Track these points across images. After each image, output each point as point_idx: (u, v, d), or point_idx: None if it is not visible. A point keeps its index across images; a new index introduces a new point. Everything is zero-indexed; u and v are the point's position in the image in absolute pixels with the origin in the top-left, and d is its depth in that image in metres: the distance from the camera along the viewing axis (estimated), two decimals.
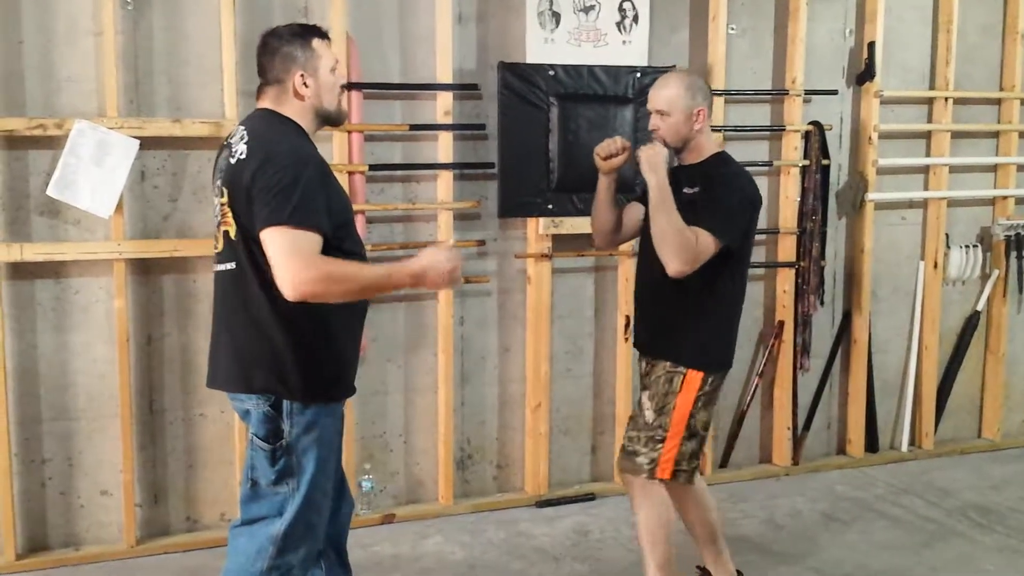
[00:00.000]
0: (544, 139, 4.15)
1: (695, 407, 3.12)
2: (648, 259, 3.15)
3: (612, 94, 4.21)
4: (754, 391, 4.72)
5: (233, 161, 2.55)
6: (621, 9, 4.21)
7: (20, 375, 3.69)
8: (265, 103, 2.67)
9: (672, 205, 2.98)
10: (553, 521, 4.18)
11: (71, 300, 3.73)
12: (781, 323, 4.69)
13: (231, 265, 2.58)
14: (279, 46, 2.64)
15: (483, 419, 4.35)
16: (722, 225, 3.01)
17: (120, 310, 3.69)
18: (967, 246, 5.06)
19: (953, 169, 4.94)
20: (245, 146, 2.55)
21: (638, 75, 4.23)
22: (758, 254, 4.67)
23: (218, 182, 2.62)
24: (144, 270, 3.79)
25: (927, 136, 4.91)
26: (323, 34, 2.70)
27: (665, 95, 3.10)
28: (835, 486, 4.63)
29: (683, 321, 3.14)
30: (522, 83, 4.08)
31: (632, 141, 4.16)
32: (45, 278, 3.69)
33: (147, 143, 3.66)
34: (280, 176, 2.45)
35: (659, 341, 3.21)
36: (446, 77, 4.01)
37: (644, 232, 3.21)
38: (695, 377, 3.11)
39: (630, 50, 4.24)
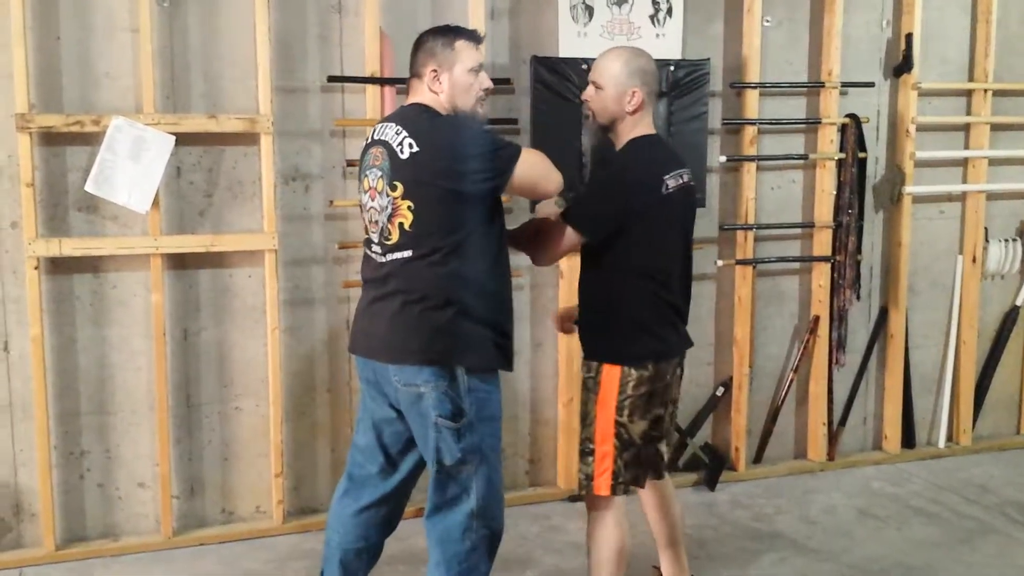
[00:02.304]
0: (577, 133, 4.14)
1: (620, 415, 2.92)
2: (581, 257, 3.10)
3: None
4: (789, 386, 4.69)
5: (404, 156, 2.71)
6: (655, 2, 4.19)
7: (59, 369, 3.74)
8: (411, 97, 2.85)
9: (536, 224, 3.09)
10: (585, 515, 4.16)
11: (109, 295, 3.78)
12: (817, 318, 4.65)
13: (407, 253, 2.74)
14: (425, 41, 2.84)
15: (515, 414, 4.35)
16: (579, 213, 2.94)
17: (157, 304, 3.73)
18: (1006, 240, 4.99)
19: (992, 162, 4.88)
20: (411, 140, 2.71)
21: (672, 68, 4.20)
22: (793, 248, 4.64)
23: (381, 178, 2.77)
24: (180, 265, 3.82)
25: (966, 128, 4.85)
26: (474, 37, 2.85)
27: (603, 67, 2.97)
28: (871, 482, 4.59)
29: (593, 315, 3.01)
30: (555, 77, 4.07)
31: (665, 134, 4.21)
32: (83, 273, 3.74)
33: (183, 139, 3.70)
34: (473, 145, 2.72)
35: (582, 341, 3.08)
36: None
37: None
38: (611, 374, 2.92)
39: (664, 43, 4.21)
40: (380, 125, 2.86)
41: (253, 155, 3.83)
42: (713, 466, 4.52)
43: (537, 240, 3.04)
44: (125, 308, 3.79)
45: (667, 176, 2.93)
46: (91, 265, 3.74)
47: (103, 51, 3.66)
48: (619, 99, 2.93)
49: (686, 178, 2.98)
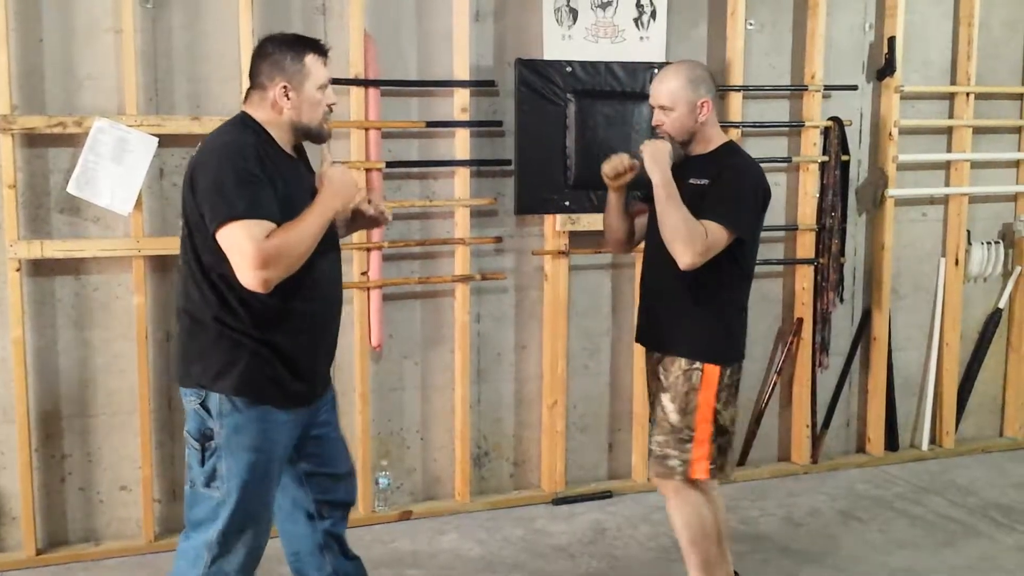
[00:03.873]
0: (561, 136, 4.14)
1: (718, 403, 3.06)
2: (655, 254, 3.11)
3: (630, 90, 4.19)
4: (772, 388, 4.70)
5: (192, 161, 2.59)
6: (639, 5, 4.20)
7: (40, 371, 3.72)
8: (245, 106, 2.65)
9: (678, 199, 2.93)
10: (570, 518, 4.18)
11: (91, 297, 3.76)
12: (800, 320, 4.66)
13: (181, 262, 2.61)
14: (271, 52, 2.61)
15: (500, 416, 4.35)
16: (733, 215, 2.95)
17: (139, 307, 3.71)
18: (988, 243, 5.01)
19: (974, 165, 4.90)
20: (200, 145, 2.60)
21: (656, 71, 4.19)
22: (776, 251, 4.65)
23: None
24: (163, 267, 3.81)
25: (948, 132, 4.87)
26: (322, 50, 2.64)
27: (666, 89, 3.03)
28: (854, 484, 4.61)
29: (695, 315, 3.08)
30: (539, 79, 4.07)
31: (650, 137, 4.20)
32: (65, 275, 3.72)
33: (166, 140, 3.68)
34: (214, 174, 2.45)
35: (671, 337, 3.14)
36: (463, 74, 4.01)
37: (650, 227, 3.15)
38: (713, 371, 3.05)
39: (648, 46, 4.22)
40: None
41: None
42: None
43: (689, 234, 2.90)
44: (107, 310, 3.78)
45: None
46: (73, 267, 3.72)
47: (86, 52, 3.65)
48: (692, 113, 3.03)
49: None
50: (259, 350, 2.54)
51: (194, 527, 2.61)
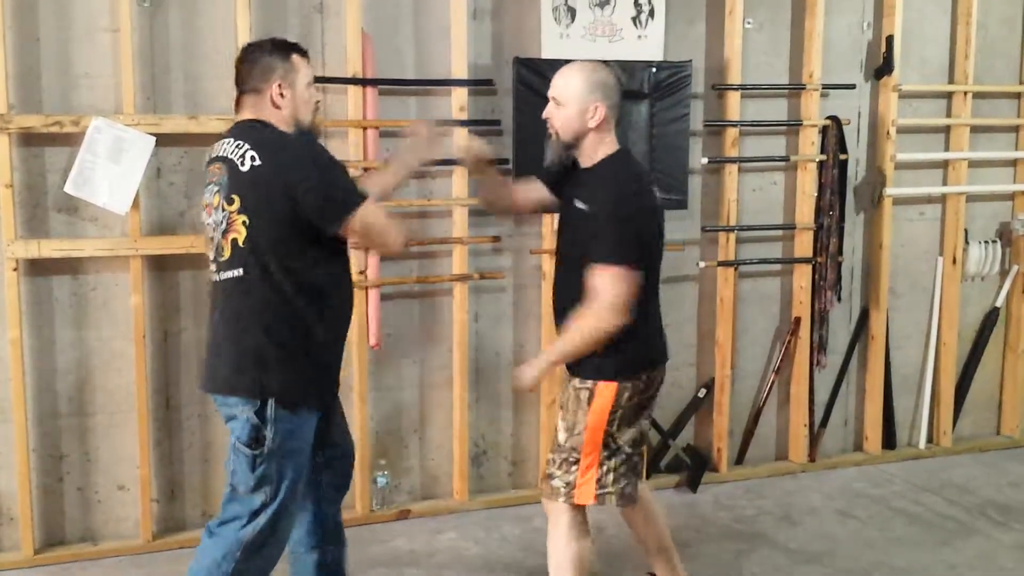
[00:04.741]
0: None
1: (610, 425, 2.88)
2: (558, 268, 3.01)
3: (627, 89, 4.15)
4: (770, 387, 4.70)
5: (244, 168, 2.62)
6: (637, 4, 4.20)
7: (38, 371, 3.72)
8: (246, 113, 2.77)
9: (567, 339, 2.84)
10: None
11: (88, 296, 3.75)
12: (798, 319, 4.67)
13: (238, 272, 2.66)
14: (259, 57, 2.76)
15: (498, 415, 4.35)
16: (624, 252, 2.77)
17: (137, 306, 3.71)
18: (986, 242, 5.02)
19: (972, 164, 4.90)
20: (253, 152, 2.63)
21: (654, 70, 4.21)
22: (774, 250, 4.65)
23: (218, 193, 2.68)
24: (160, 266, 3.80)
25: (946, 131, 4.87)
26: (303, 51, 2.83)
27: (563, 83, 2.88)
28: (852, 483, 4.61)
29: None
30: (537, 78, 4.06)
31: (648, 136, 4.21)
32: (62, 274, 3.71)
33: (163, 140, 3.67)
34: (318, 176, 2.63)
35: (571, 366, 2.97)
36: (461, 73, 4.01)
37: (560, 228, 3.05)
38: (606, 391, 2.87)
39: (646, 45, 4.22)
40: (218, 143, 2.78)
41: None
42: (695, 467, 4.52)
43: (598, 303, 2.79)
44: (105, 310, 3.77)
45: (653, 189, 2.96)
46: (70, 267, 3.71)
47: (83, 51, 3.64)
48: (581, 115, 2.86)
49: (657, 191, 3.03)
50: (306, 354, 2.70)
51: (227, 523, 2.72)
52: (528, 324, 4.33)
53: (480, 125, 4.11)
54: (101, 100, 3.67)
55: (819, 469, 4.75)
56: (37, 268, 3.67)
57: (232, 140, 2.70)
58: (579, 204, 2.88)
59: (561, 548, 2.98)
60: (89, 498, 3.84)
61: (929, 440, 5.04)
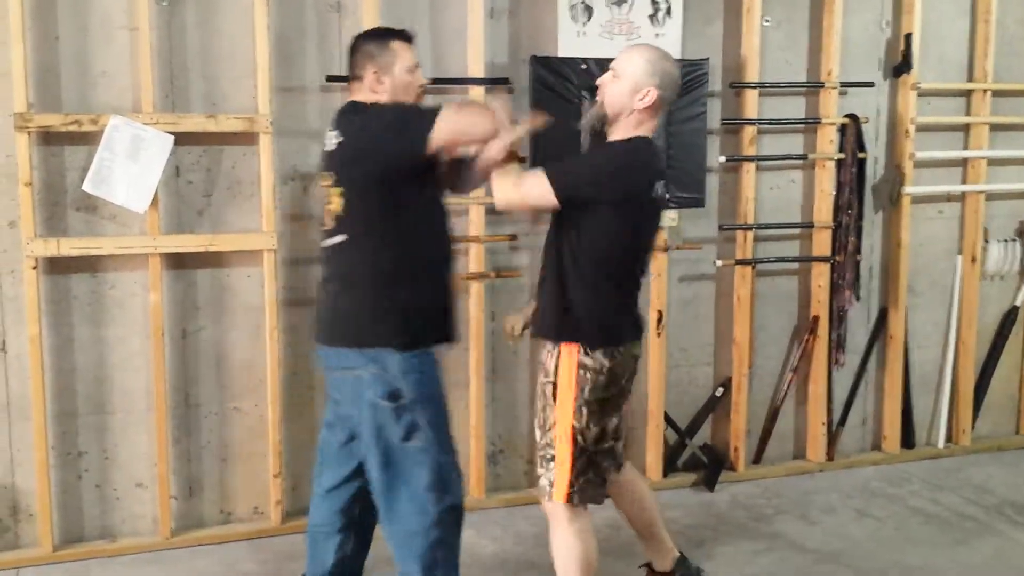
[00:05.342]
0: (576, 133, 4.12)
1: (578, 420, 2.89)
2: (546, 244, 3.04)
3: None
4: (788, 386, 4.68)
5: (331, 148, 2.88)
6: (654, 2, 4.19)
7: (57, 369, 3.74)
8: (351, 97, 2.97)
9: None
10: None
11: (107, 294, 3.77)
12: (816, 318, 4.65)
13: (341, 237, 2.87)
14: (360, 44, 2.97)
15: (515, 414, 4.35)
16: (561, 174, 2.85)
17: (155, 304, 3.72)
18: (1006, 240, 4.99)
19: (991, 162, 4.87)
20: (337, 131, 2.87)
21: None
22: (792, 248, 4.64)
23: (323, 171, 2.96)
24: (179, 264, 3.82)
25: (965, 129, 4.84)
26: (406, 36, 2.98)
27: (627, 57, 2.92)
28: (870, 482, 4.59)
29: (551, 309, 2.96)
30: (554, 77, 4.06)
31: (665, 134, 4.20)
32: (81, 272, 3.73)
33: (181, 138, 3.69)
34: (396, 111, 2.86)
35: (539, 328, 3.04)
36: (478, 71, 4.01)
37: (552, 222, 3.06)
38: (567, 356, 2.88)
39: (663, 43, 4.18)
40: None
41: (252, 155, 3.82)
42: (712, 466, 4.51)
43: (501, 179, 2.94)
44: (123, 308, 3.79)
45: (658, 182, 2.95)
46: (89, 265, 3.73)
47: (102, 50, 3.66)
48: (633, 93, 2.88)
49: (664, 191, 3.03)
50: (422, 294, 2.87)
51: (405, 483, 2.84)
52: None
53: None
54: (119, 99, 3.68)
55: (837, 468, 4.73)
56: (56, 266, 3.69)
57: (332, 124, 2.93)
58: None
59: (564, 549, 2.97)
60: (107, 495, 3.86)
61: (948, 439, 5.01)
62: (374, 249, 2.83)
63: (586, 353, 2.90)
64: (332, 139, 2.88)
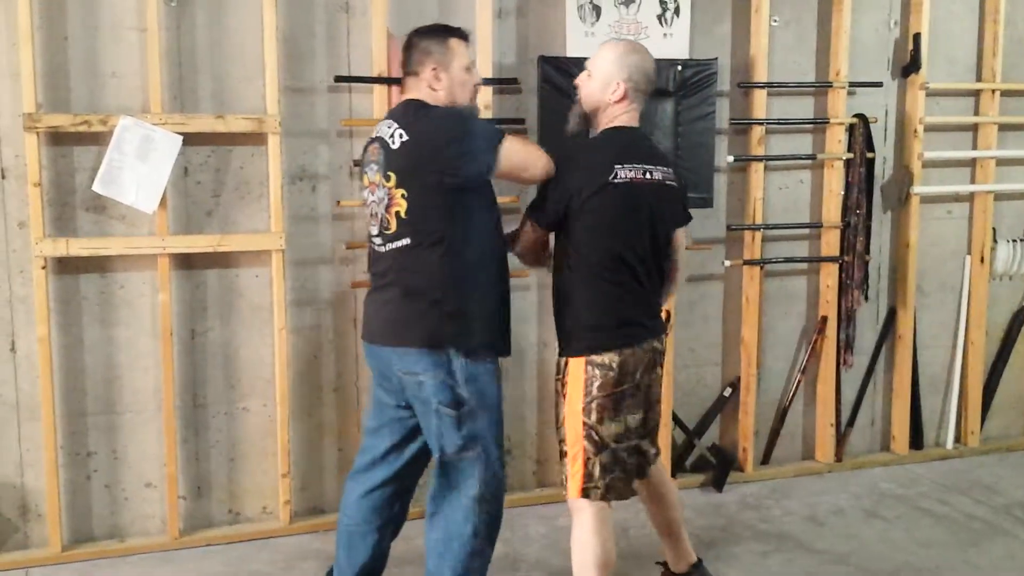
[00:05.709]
0: (584, 133, 4.11)
1: (588, 417, 2.90)
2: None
3: (653, 88, 4.16)
4: (796, 387, 4.68)
5: (395, 146, 2.85)
6: (662, 2, 4.18)
7: (66, 369, 3.74)
8: (408, 95, 2.97)
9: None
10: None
11: (116, 294, 3.78)
12: (824, 318, 4.64)
13: (406, 241, 2.86)
14: (418, 41, 2.97)
15: (522, 414, 4.35)
16: (531, 206, 3.05)
17: (164, 304, 3.73)
18: (1015, 240, 4.97)
19: (1000, 162, 4.86)
20: (402, 130, 2.85)
21: (679, 68, 4.19)
22: (801, 248, 4.63)
23: (378, 171, 2.92)
24: (188, 265, 3.82)
25: (974, 129, 4.83)
26: (463, 35, 3.00)
27: (597, 55, 3.07)
28: (879, 483, 4.58)
29: (559, 315, 3.06)
30: (562, 77, 4.05)
31: (673, 134, 4.19)
32: (90, 272, 3.74)
33: (190, 139, 3.69)
34: (463, 124, 2.87)
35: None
36: (486, 71, 4.00)
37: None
38: (575, 367, 2.93)
39: (671, 43, 4.20)
40: (379, 124, 3.02)
41: (260, 155, 3.83)
42: (720, 467, 4.51)
43: (512, 241, 3.14)
44: (132, 308, 3.79)
45: (620, 165, 2.94)
46: (98, 265, 3.74)
47: (110, 51, 3.66)
48: (603, 89, 3.01)
49: (656, 175, 3.00)
50: (489, 308, 2.91)
51: (452, 491, 2.89)
52: (551, 323, 4.29)
53: (505, 124, 4.10)
54: (128, 99, 3.69)
55: (846, 469, 4.72)
56: (65, 266, 3.70)
57: (388, 121, 2.94)
58: None
59: (583, 546, 2.98)
60: (116, 495, 3.87)
61: (957, 440, 5.00)
62: (442, 255, 2.83)
63: (593, 367, 2.95)
64: (395, 136, 2.87)
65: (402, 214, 2.85)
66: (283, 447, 3.91)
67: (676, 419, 4.49)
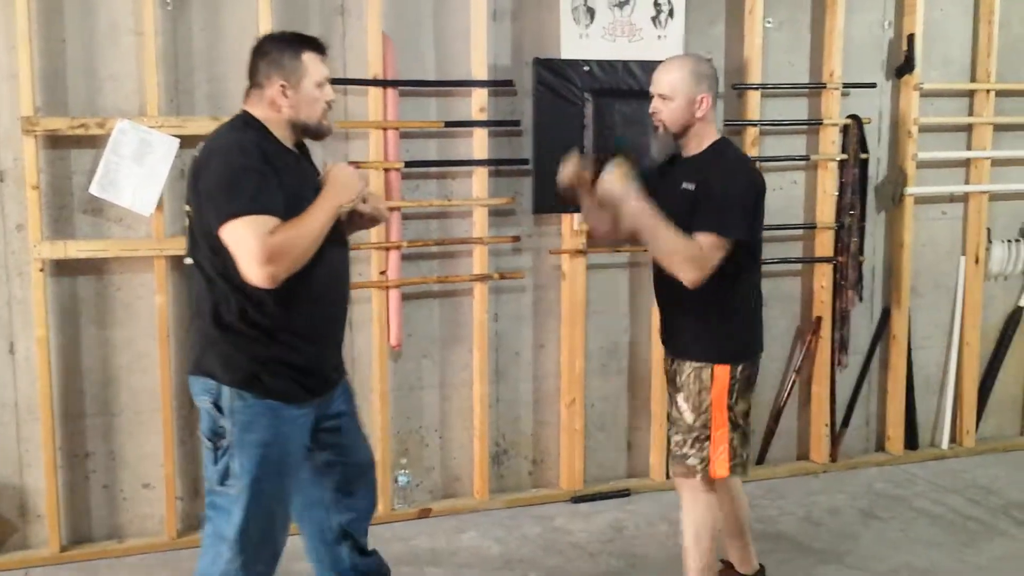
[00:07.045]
0: (579, 135, 4.15)
1: (730, 399, 3.07)
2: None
3: (647, 89, 4.16)
4: (791, 387, 4.69)
5: (192, 165, 2.60)
6: (656, 4, 4.20)
7: (64, 370, 3.76)
8: (245, 105, 2.67)
9: (661, 224, 2.88)
10: (589, 517, 4.18)
11: (113, 296, 3.79)
12: (819, 319, 4.65)
13: (189, 259, 2.63)
14: (269, 51, 2.64)
15: (518, 414, 4.36)
16: (726, 221, 2.90)
17: (161, 306, 3.75)
18: (1009, 240, 4.99)
19: (995, 162, 4.87)
20: (199, 150, 2.61)
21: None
22: (795, 249, 4.65)
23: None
24: (184, 267, 3.83)
25: (968, 129, 4.85)
26: (320, 48, 2.67)
27: (668, 79, 3.01)
28: (874, 483, 4.59)
29: (700, 319, 3.07)
30: (557, 79, 4.08)
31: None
32: (88, 275, 3.76)
33: (187, 141, 3.70)
34: (217, 174, 2.48)
35: (680, 340, 3.16)
36: (481, 74, 4.03)
37: None
38: (723, 371, 3.06)
39: (665, 44, 4.22)
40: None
41: None
42: None
43: (686, 254, 2.89)
44: (130, 310, 3.81)
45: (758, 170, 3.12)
46: (96, 267, 3.75)
47: (107, 54, 3.68)
48: (689, 107, 3.00)
49: None
50: (267, 345, 2.56)
51: (212, 525, 2.62)
52: (548, 323, 4.34)
53: (500, 126, 4.13)
54: (125, 102, 3.71)
55: (841, 469, 4.73)
56: (63, 268, 3.71)
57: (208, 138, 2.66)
58: (686, 185, 3.00)
59: (700, 519, 3.15)
60: (114, 496, 3.88)
61: (952, 440, 5.01)
62: (213, 279, 2.58)
63: (735, 363, 3.11)
64: (197, 150, 2.64)
65: (190, 231, 2.63)
66: None
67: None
